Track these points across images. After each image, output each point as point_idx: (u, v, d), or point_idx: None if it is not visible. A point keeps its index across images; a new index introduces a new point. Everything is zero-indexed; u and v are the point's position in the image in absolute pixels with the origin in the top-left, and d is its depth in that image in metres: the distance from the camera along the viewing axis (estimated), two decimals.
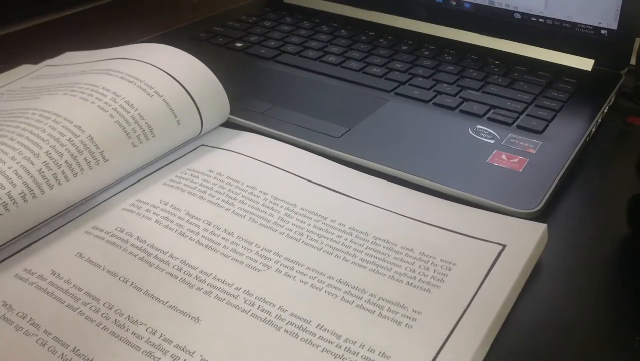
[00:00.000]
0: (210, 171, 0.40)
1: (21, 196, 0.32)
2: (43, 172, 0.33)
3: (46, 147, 0.34)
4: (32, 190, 0.33)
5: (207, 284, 0.31)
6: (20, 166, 0.33)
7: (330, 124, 0.44)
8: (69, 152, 0.34)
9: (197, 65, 0.43)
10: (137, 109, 0.38)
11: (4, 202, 0.32)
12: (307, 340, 0.28)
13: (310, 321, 0.29)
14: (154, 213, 0.36)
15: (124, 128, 0.37)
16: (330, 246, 0.34)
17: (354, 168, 0.40)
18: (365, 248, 0.33)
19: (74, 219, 0.35)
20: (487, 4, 0.56)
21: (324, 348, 0.28)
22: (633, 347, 0.29)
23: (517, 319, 0.30)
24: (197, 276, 0.31)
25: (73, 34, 0.63)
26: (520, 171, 0.39)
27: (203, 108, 0.41)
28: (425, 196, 0.38)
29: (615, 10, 0.50)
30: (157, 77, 0.40)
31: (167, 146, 0.40)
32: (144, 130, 0.38)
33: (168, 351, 0.27)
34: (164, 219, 0.35)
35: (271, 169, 0.40)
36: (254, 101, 0.47)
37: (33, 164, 0.33)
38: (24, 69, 0.50)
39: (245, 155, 0.41)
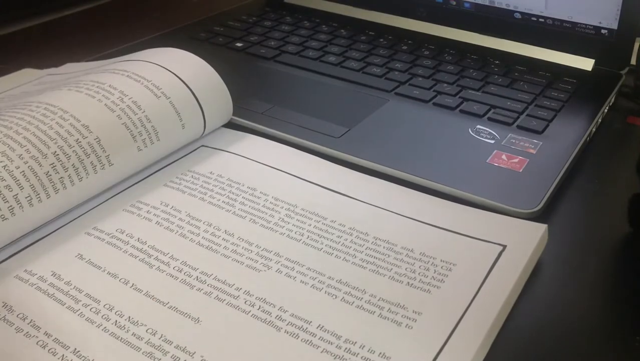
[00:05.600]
0: (211, 172, 0.40)
1: (28, 200, 0.32)
2: (50, 175, 0.33)
3: (54, 147, 0.34)
4: (38, 194, 0.33)
5: (208, 285, 0.31)
6: (28, 166, 0.32)
7: (330, 124, 0.44)
8: (76, 155, 0.34)
9: (203, 66, 0.42)
10: (144, 111, 0.37)
11: (10, 206, 0.31)
12: (307, 340, 0.28)
13: (311, 322, 0.29)
14: (154, 214, 0.36)
15: (131, 131, 0.37)
16: (330, 247, 0.34)
17: (354, 168, 0.40)
18: (366, 249, 0.33)
19: (74, 220, 0.36)
20: (487, 4, 0.56)
21: (324, 349, 0.28)
22: (633, 347, 0.29)
23: (517, 319, 0.30)
24: (197, 277, 0.31)
25: (73, 34, 0.63)
26: (520, 171, 0.39)
27: (207, 110, 0.41)
28: (426, 196, 0.38)
29: (615, 10, 0.50)
30: (164, 77, 0.40)
31: (170, 149, 0.40)
32: (149, 134, 0.38)
33: (168, 352, 0.27)
34: (165, 220, 0.35)
35: (271, 171, 0.40)
36: (254, 101, 0.47)
37: (41, 166, 0.33)
38: (26, 73, 0.50)
39: (246, 157, 0.41)
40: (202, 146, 0.43)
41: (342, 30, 0.60)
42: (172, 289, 0.31)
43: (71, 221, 0.35)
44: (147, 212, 0.36)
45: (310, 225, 0.35)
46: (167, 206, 0.37)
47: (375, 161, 0.40)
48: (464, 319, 0.29)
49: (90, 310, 0.29)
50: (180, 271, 0.32)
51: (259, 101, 0.47)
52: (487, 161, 0.40)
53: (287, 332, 0.28)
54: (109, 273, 0.32)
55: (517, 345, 0.29)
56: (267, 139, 0.43)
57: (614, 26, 0.50)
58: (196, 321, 0.29)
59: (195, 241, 0.34)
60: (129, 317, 0.29)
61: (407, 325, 0.29)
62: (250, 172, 0.40)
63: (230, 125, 0.45)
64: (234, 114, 0.45)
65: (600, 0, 0.50)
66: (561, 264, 0.34)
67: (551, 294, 0.32)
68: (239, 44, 0.57)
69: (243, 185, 0.38)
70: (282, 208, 0.36)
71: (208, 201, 0.37)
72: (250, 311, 0.29)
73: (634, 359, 0.29)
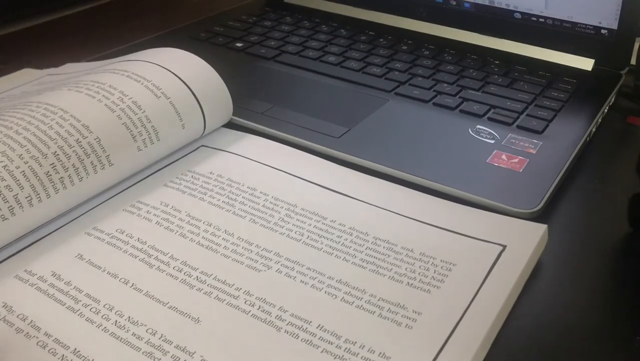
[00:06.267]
0: (211, 172, 0.40)
1: (28, 200, 0.32)
2: (51, 175, 0.33)
3: (54, 147, 0.34)
4: (38, 194, 0.33)
5: (208, 285, 0.31)
6: (29, 166, 0.32)
7: (330, 124, 0.44)
8: (76, 155, 0.34)
9: (203, 66, 0.42)
10: (144, 111, 0.37)
11: (10, 206, 0.31)
12: (307, 340, 0.28)
13: (311, 322, 0.29)
14: (154, 214, 0.36)
15: (131, 131, 0.37)
16: (330, 247, 0.34)
17: (354, 168, 0.40)
18: (366, 249, 0.33)
19: (74, 220, 0.36)
20: (487, 4, 0.56)
21: (324, 349, 0.28)
22: (633, 347, 0.29)
23: (517, 320, 0.30)
24: (197, 277, 0.31)
25: (73, 34, 0.63)
26: (520, 171, 0.39)
27: (207, 110, 0.41)
28: (426, 196, 0.38)
29: (615, 10, 0.50)
30: (164, 77, 0.40)
31: (170, 149, 0.40)
32: (149, 134, 0.37)
33: (168, 352, 0.27)
34: (165, 220, 0.35)
35: (271, 171, 0.40)
36: (254, 101, 0.47)
37: (41, 166, 0.33)
38: (26, 73, 0.50)
39: (246, 157, 0.41)
40: (202, 146, 0.43)
41: (342, 30, 0.60)
42: (172, 289, 0.31)
43: (71, 221, 0.35)
44: (147, 212, 0.36)
45: (310, 225, 0.35)
46: (167, 206, 0.37)
47: (375, 161, 0.40)
48: (464, 319, 0.29)
49: (90, 310, 0.29)
50: (180, 271, 0.32)
51: (259, 101, 0.47)
52: (487, 161, 0.40)
53: (287, 332, 0.28)
54: (109, 273, 0.32)
55: (517, 345, 0.29)
56: (267, 139, 0.43)
57: (614, 26, 0.50)
58: (196, 321, 0.29)
59: (195, 241, 0.34)
60: (129, 317, 0.29)
61: (407, 325, 0.29)
62: (250, 172, 0.40)
63: (230, 125, 0.45)
64: (234, 114, 0.45)
65: (600, 0, 0.50)
66: (561, 264, 0.34)
67: (551, 294, 0.32)
68: (239, 44, 0.57)
69: (243, 185, 0.38)
70: (282, 207, 0.36)
71: (208, 201, 0.37)
72: (250, 311, 0.29)
73: (634, 359, 0.29)
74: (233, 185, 0.38)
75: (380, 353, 0.27)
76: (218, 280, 0.31)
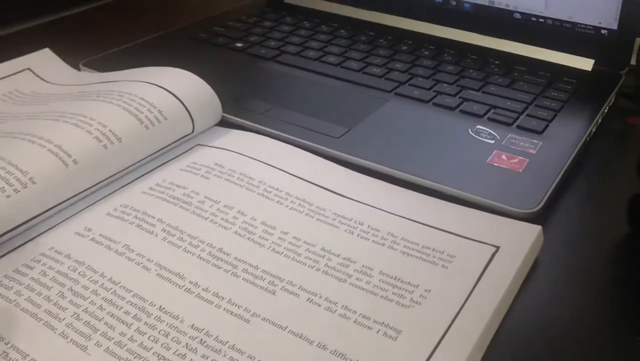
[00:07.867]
0: (211, 167, 0.40)
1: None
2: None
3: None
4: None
5: (202, 289, 0.31)
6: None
7: (330, 124, 0.44)
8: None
9: (182, 73, 0.43)
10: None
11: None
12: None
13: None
14: (135, 216, 0.35)
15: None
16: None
17: (353, 168, 0.40)
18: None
19: (67, 219, 0.35)
20: (486, 4, 0.56)
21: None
22: (633, 347, 0.29)
23: (516, 320, 0.30)
24: (190, 280, 0.31)
25: (73, 35, 0.63)
26: (520, 171, 0.39)
27: (195, 115, 0.42)
28: (419, 195, 0.37)
29: (615, 10, 0.50)
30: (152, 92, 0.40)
31: (157, 147, 0.41)
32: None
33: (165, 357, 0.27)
34: (147, 223, 0.35)
35: (270, 169, 0.40)
36: (254, 101, 0.47)
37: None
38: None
39: (242, 154, 0.41)
40: (198, 145, 0.42)
41: (342, 31, 0.60)
42: (159, 290, 0.31)
43: (64, 221, 0.35)
44: (135, 217, 0.35)
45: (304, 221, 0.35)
46: (145, 214, 0.36)
47: (375, 161, 0.40)
48: (458, 320, 0.29)
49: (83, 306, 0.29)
50: (181, 276, 0.32)
51: (259, 101, 0.47)
52: (487, 161, 0.40)
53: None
54: (102, 275, 0.31)
55: (514, 348, 0.29)
56: (265, 136, 0.43)
57: (614, 26, 0.50)
58: (180, 321, 0.29)
59: (182, 248, 0.33)
60: (118, 317, 0.29)
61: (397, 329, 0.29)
62: (246, 168, 0.39)
63: (230, 125, 0.45)
64: (234, 115, 0.45)
65: (600, 0, 0.50)
66: (560, 265, 0.34)
67: (551, 294, 0.32)
68: (239, 45, 0.57)
69: (241, 176, 0.38)
70: (281, 198, 0.36)
71: (192, 211, 0.36)
72: (230, 311, 0.29)
73: (634, 359, 0.28)
74: (231, 177, 0.38)
75: (371, 355, 0.27)
76: (207, 291, 0.31)
